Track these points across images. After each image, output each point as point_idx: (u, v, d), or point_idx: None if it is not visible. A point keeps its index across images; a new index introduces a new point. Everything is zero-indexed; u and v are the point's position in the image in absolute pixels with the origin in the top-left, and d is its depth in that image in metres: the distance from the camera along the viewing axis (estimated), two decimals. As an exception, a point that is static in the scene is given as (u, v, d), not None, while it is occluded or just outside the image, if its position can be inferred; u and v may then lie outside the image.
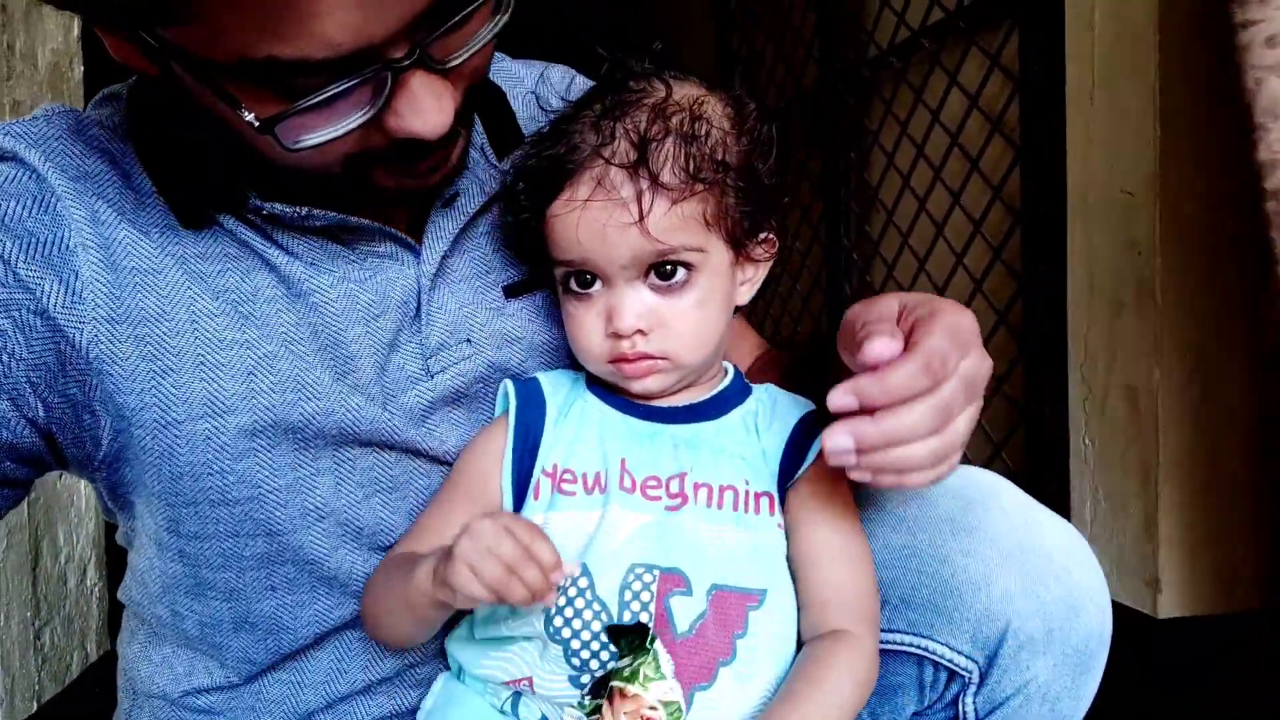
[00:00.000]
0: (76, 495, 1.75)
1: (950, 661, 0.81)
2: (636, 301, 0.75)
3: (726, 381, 0.84)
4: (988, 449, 1.93)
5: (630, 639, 0.65)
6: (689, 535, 0.74)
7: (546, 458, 0.78)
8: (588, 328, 0.77)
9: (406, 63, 0.61)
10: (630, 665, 0.64)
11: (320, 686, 0.83)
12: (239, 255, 0.75)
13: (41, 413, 0.71)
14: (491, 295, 0.86)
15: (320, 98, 0.61)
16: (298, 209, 0.74)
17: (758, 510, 0.77)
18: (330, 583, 0.80)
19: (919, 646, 0.82)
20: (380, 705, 0.84)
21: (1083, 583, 0.80)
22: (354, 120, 0.63)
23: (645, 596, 0.71)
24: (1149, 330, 1.56)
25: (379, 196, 0.75)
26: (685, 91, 0.76)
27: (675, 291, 0.75)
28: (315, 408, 0.75)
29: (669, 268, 0.74)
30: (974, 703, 0.82)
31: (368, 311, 0.79)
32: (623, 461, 0.77)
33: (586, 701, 0.67)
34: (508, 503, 0.78)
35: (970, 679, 0.81)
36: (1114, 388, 1.64)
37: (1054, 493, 1.75)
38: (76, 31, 1.68)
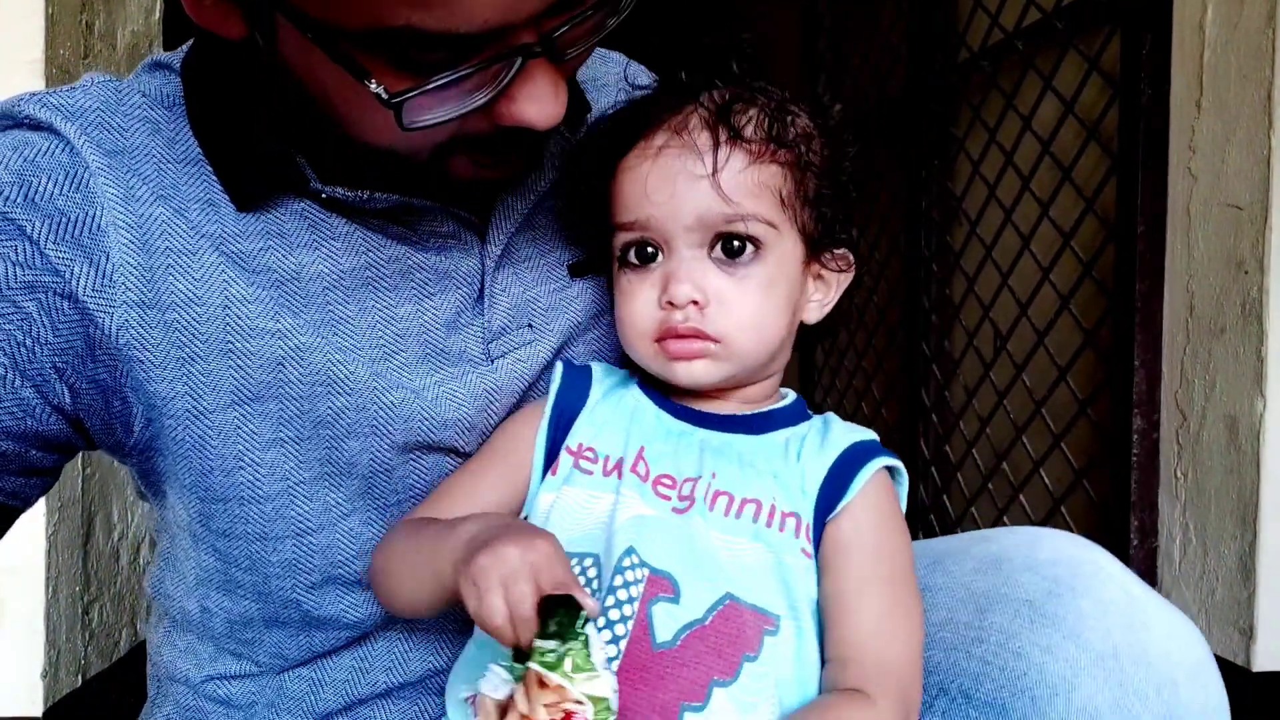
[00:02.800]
0: (135, 474, 1.77)
1: None
2: (697, 272, 0.69)
3: (783, 404, 0.77)
4: (1069, 478, 1.81)
5: (562, 615, 0.57)
6: (692, 540, 0.68)
7: (574, 437, 0.74)
8: (640, 300, 0.71)
9: (539, 49, 0.58)
10: (557, 650, 0.56)
11: (341, 686, 0.79)
12: (283, 232, 0.71)
13: (68, 399, 0.68)
14: (556, 275, 0.82)
15: (454, 76, 0.57)
16: (359, 193, 0.70)
17: (781, 529, 0.69)
18: (355, 586, 0.77)
19: None
20: (403, 711, 0.80)
21: (1190, 699, 0.67)
22: (472, 103, 0.60)
23: (634, 591, 0.66)
24: (1252, 355, 1.44)
25: (447, 184, 0.71)
26: (773, 90, 0.73)
27: (740, 269, 0.69)
28: (345, 402, 0.72)
29: (736, 242, 0.69)
30: None
31: (423, 290, 0.75)
32: (641, 449, 0.72)
33: (506, 668, 0.59)
34: (536, 477, 0.74)
35: None
36: (1211, 417, 1.52)
37: (1141, 529, 1.63)
38: (158, 14, 1.71)
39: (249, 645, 0.78)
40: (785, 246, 0.71)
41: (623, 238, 0.72)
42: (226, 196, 0.70)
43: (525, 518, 0.75)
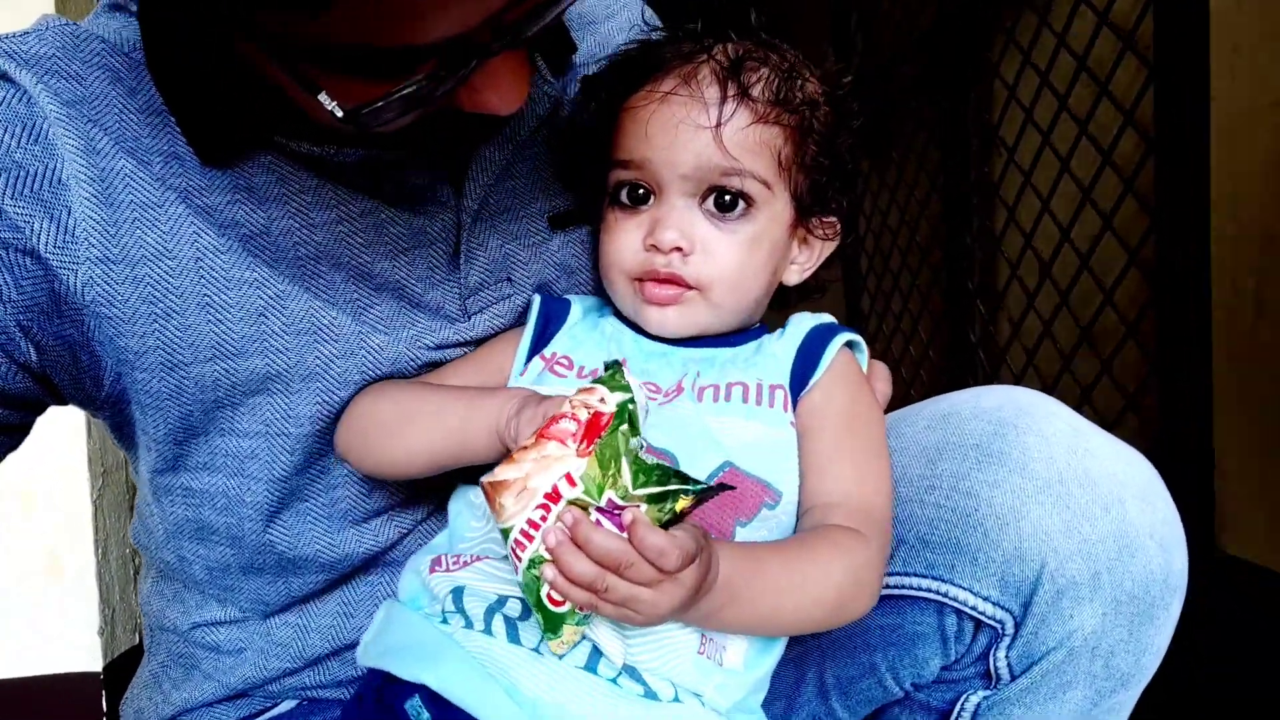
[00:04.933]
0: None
1: (974, 609, 0.70)
2: (685, 220, 0.70)
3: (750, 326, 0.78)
4: (1119, 401, 1.75)
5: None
6: (685, 422, 0.68)
7: (550, 349, 0.75)
8: (625, 237, 0.72)
9: (496, 47, 0.56)
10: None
11: (327, 631, 0.79)
12: (250, 187, 0.70)
13: (34, 357, 0.67)
14: (535, 227, 0.81)
15: (410, 88, 0.55)
16: (326, 148, 0.69)
17: (771, 404, 0.70)
18: (330, 525, 0.76)
19: (938, 591, 0.72)
20: None
21: (1139, 517, 0.68)
22: (431, 100, 0.58)
23: None
24: (1304, 260, 1.37)
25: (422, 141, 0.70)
26: (787, 50, 0.74)
27: (729, 224, 0.70)
28: (333, 350, 0.71)
29: (728, 197, 0.70)
30: (1007, 657, 0.71)
31: (396, 245, 0.74)
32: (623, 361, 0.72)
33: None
34: (513, 381, 0.75)
35: (1002, 629, 0.70)
36: (1265, 329, 1.45)
37: (1196, 449, 1.57)
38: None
39: (230, 591, 0.78)
40: (776, 207, 0.72)
41: (617, 175, 0.73)
42: (191, 150, 0.68)
43: None
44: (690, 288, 0.70)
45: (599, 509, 0.52)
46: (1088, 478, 0.68)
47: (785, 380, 0.71)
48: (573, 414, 0.54)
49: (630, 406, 0.55)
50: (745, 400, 0.69)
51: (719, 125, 0.68)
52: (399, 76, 0.55)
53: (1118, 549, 0.67)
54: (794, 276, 0.77)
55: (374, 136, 0.67)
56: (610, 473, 0.52)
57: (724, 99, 0.68)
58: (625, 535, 0.51)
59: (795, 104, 0.70)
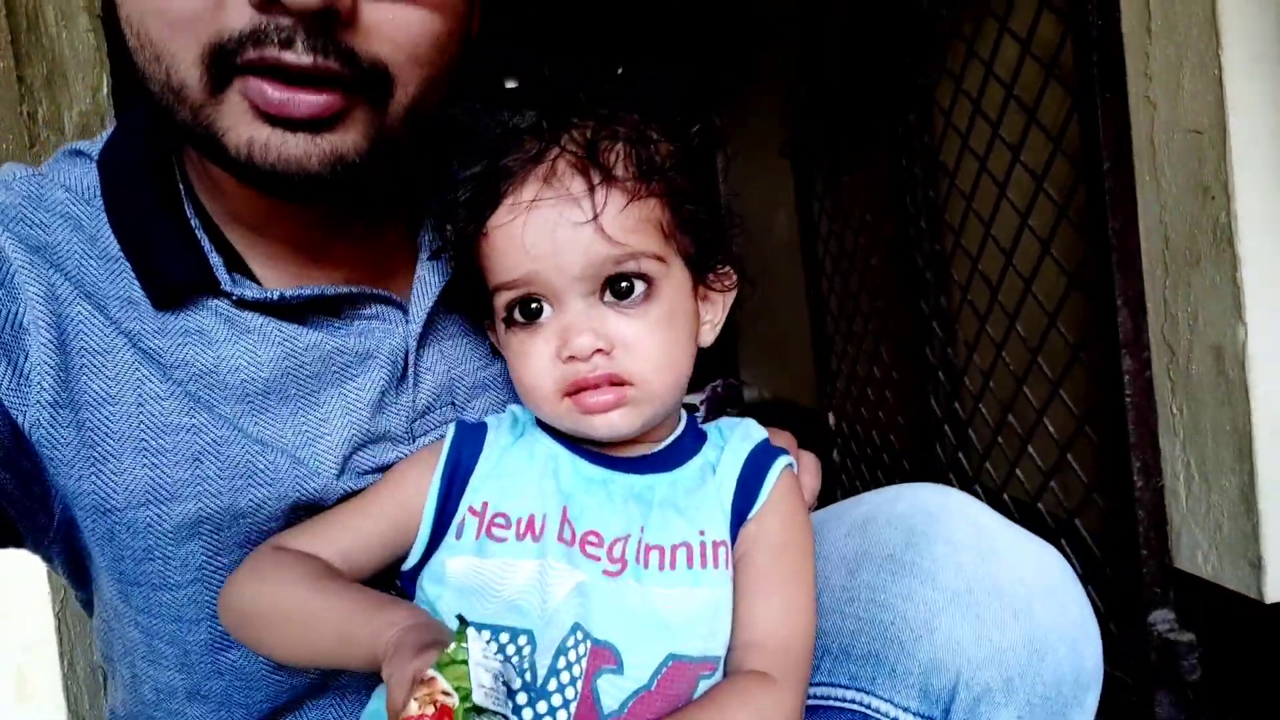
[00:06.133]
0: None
1: None
2: (594, 319, 0.68)
3: (680, 428, 0.77)
4: (1071, 425, 1.77)
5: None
6: (628, 605, 0.68)
7: (476, 495, 0.72)
8: (537, 359, 0.69)
9: None
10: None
11: None
12: (201, 329, 0.72)
13: None
14: (480, 352, 0.82)
15: None
16: (269, 293, 0.71)
17: (715, 563, 0.70)
18: (280, 667, 0.77)
19: (861, 703, 0.73)
20: None
21: (1047, 619, 0.70)
22: None
23: (576, 670, 0.66)
24: (1229, 282, 1.39)
25: (255, 120, 0.64)
26: (624, 116, 0.70)
27: (636, 310, 0.68)
28: (267, 493, 0.72)
29: (625, 284, 0.67)
30: None
31: (344, 373, 0.76)
32: (565, 510, 0.70)
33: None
34: (425, 531, 0.72)
35: None
36: (1199, 349, 1.48)
37: (1145, 470, 1.59)
38: (105, 89, 1.73)
39: (176, 716, 0.80)
40: (675, 278, 0.70)
41: (505, 297, 0.70)
42: (146, 295, 0.71)
43: (419, 572, 0.73)
44: (625, 384, 0.68)
45: None
46: (995, 585, 0.70)
47: (726, 531, 0.71)
48: (420, 713, 0.54)
49: (466, 690, 0.55)
50: (690, 565, 0.69)
51: (596, 216, 0.65)
52: None
53: (1028, 654, 0.69)
54: (709, 336, 0.76)
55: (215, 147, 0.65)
56: None
57: (592, 188, 0.66)
58: None
59: (660, 168, 0.67)
